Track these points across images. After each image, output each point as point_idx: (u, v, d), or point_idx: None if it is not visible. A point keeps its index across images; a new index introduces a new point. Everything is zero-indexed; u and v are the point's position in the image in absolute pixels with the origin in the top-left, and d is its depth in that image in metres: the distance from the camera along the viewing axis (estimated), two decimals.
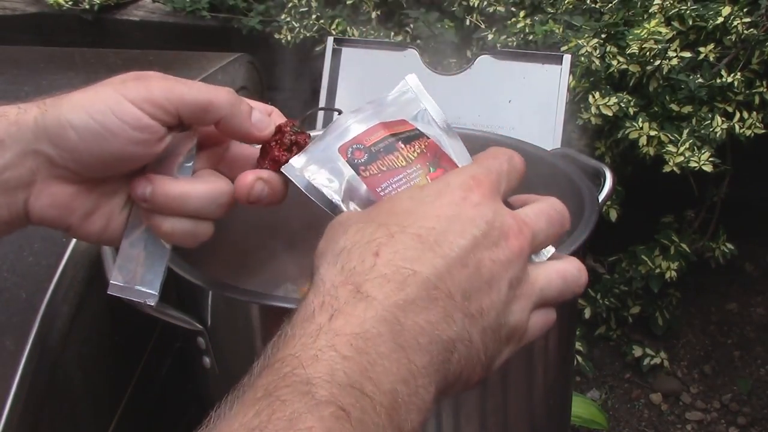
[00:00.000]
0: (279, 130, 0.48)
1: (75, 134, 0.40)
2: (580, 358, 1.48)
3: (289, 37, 1.45)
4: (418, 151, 0.45)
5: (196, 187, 0.45)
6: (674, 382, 1.53)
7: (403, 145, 0.45)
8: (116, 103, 0.41)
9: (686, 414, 1.48)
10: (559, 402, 0.73)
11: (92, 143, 0.41)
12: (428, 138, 0.47)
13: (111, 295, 0.47)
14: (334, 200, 0.44)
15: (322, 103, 1.04)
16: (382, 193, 0.43)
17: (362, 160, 0.44)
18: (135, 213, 0.46)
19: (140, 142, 0.42)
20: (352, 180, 0.43)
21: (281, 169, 0.45)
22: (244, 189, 0.45)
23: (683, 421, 1.47)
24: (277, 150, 0.46)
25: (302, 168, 0.45)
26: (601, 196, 0.74)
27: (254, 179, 0.45)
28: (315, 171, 0.44)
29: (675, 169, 1.21)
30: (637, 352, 1.53)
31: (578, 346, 1.47)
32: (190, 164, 0.46)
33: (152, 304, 0.46)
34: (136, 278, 0.46)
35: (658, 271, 1.40)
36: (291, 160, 0.45)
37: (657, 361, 1.52)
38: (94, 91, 0.42)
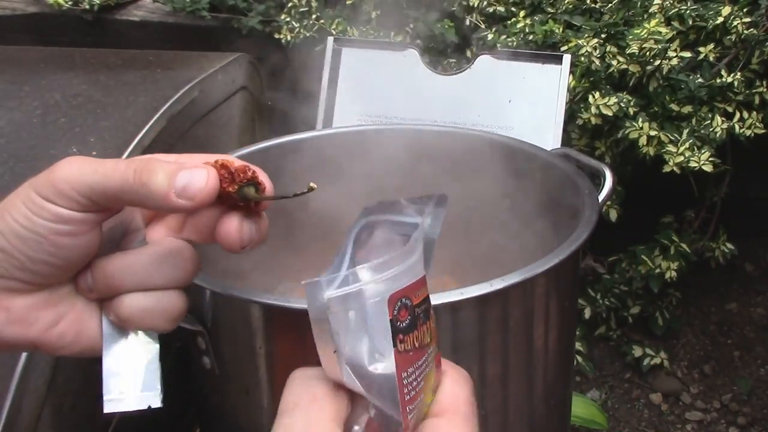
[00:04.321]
0: (224, 167, 0.39)
1: (6, 242, 0.38)
2: (580, 358, 1.48)
3: (289, 37, 1.45)
4: (434, 320, 0.37)
5: (141, 253, 0.40)
6: (674, 382, 1.53)
7: (432, 312, 0.37)
8: (29, 199, 0.38)
9: (686, 414, 1.48)
10: (559, 402, 0.73)
11: (25, 246, 0.38)
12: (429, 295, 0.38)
13: None
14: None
15: (322, 102, 1.04)
16: (405, 384, 0.34)
17: (404, 325, 0.35)
18: (105, 316, 0.42)
19: (70, 233, 0.38)
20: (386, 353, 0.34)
21: (305, 285, 0.34)
22: (235, 235, 0.40)
23: (683, 421, 1.47)
24: (233, 193, 0.39)
25: (334, 300, 0.33)
26: (601, 196, 0.74)
27: (239, 222, 0.40)
28: (345, 316, 0.34)
29: (675, 169, 1.21)
30: (637, 352, 1.53)
31: (578, 346, 1.47)
32: (141, 240, 0.42)
33: (159, 405, 0.42)
34: (131, 385, 0.42)
35: (658, 271, 1.40)
36: (323, 279, 0.33)
37: (657, 361, 1.52)
38: (14, 193, 0.39)
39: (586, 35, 1.27)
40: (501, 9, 1.38)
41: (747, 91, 1.27)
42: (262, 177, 0.40)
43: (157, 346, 0.42)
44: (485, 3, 1.38)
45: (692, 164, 1.20)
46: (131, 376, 0.42)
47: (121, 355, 0.42)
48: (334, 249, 0.37)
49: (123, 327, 0.42)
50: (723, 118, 1.24)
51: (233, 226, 0.40)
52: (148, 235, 0.43)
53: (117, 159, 0.39)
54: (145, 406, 0.42)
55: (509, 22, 1.35)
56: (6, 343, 0.40)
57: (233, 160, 0.40)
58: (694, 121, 1.25)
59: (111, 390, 0.42)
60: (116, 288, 0.40)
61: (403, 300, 0.34)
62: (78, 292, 0.41)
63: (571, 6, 1.35)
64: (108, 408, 0.42)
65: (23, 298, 0.39)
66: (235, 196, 0.39)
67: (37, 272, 0.39)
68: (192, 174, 0.38)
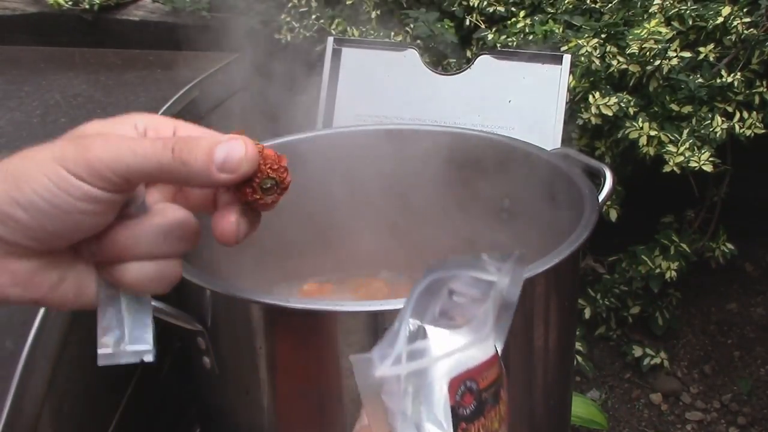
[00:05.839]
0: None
1: (24, 213, 0.37)
2: (580, 358, 1.48)
3: (288, 37, 1.45)
4: (505, 401, 0.33)
5: (148, 224, 0.40)
6: (674, 382, 1.53)
7: (503, 393, 0.33)
8: (57, 176, 0.37)
9: (686, 414, 1.48)
10: (559, 402, 0.73)
11: (43, 220, 0.37)
12: (503, 370, 0.34)
13: None
14: None
15: (321, 103, 1.04)
16: None
17: (468, 412, 0.30)
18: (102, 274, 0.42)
19: (94, 212, 0.38)
20: None
21: (353, 360, 0.30)
22: (231, 232, 0.41)
23: (683, 421, 1.47)
24: (250, 194, 0.40)
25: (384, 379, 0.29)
26: (601, 196, 0.74)
27: (236, 220, 0.41)
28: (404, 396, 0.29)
29: (675, 169, 1.21)
30: (637, 352, 1.53)
31: (578, 346, 1.47)
32: (140, 203, 0.41)
33: (151, 359, 0.42)
34: (124, 339, 0.42)
35: (658, 271, 1.40)
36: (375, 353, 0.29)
37: (657, 361, 1.52)
38: (32, 161, 0.38)
39: (586, 35, 1.27)
40: (501, 9, 1.38)
41: (747, 91, 1.27)
42: (289, 177, 0.40)
43: (151, 304, 0.43)
44: (485, 3, 1.38)
45: (692, 164, 1.20)
46: (126, 332, 0.42)
47: (117, 313, 0.42)
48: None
49: (123, 290, 0.42)
50: (723, 118, 1.24)
51: (231, 222, 0.41)
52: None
53: (151, 138, 0.39)
54: (137, 360, 0.42)
55: (509, 22, 1.35)
56: (9, 302, 0.40)
57: (261, 147, 0.40)
58: (694, 121, 1.25)
59: (106, 344, 0.42)
60: (121, 256, 0.40)
61: (468, 383, 0.30)
62: (79, 256, 0.41)
63: (571, 6, 1.35)
64: (102, 361, 0.42)
65: (27, 262, 0.39)
66: (254, 185, 0.40)
67: (47, 242, 0.39)
68: (229, 146, 0.39)
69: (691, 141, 1.22)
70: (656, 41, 1.22)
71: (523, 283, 0.35)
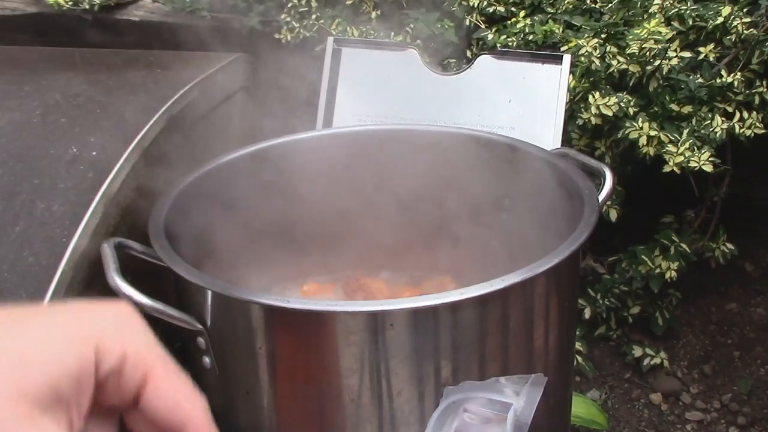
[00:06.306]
0: None
1: None
2: (580, 358, 1.48)
3: (288, 37, 1.45)
4: None
5: None
6: (674, 382, 1.53)
7: None
8: None
9: (686, 414, 1.48)
10: (559, 402, 0.73)
11: None
12: None
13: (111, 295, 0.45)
14: None
15: (321, 103, 1.04)
16: None
17: None
18: None
19: None
20: None
21: None
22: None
23: (683, 421, 1.47)
24: None
25: None
26: (601, 196, 0.74)
27: None
28: None
29: (675, 169, 1.21)
30: (637, 352, 1.53)
31: (578, 346, 1.47)
32: None
33: None
34: None
35: (658, 271, 1.40)
36: None
37: (657, 361, 1.52)
38: None
39: (586, 35, 1.27)
40: (501, 9, 1.38)
41: (747, 91, 1.27)
42: None
43: None
44: (485, 3, 1.38)
45: (692, 164, 1.20)
46: None
47: None
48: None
49: None
50: (723, 118, 1.24)
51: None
52: None
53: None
54: None
55: (509, 22, 1.35)
56: None
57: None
58: (694, 121, 1.25)
59: None
60: None
61: None
62: None
63: (571, 6, 1.35)
64: None
65: None
66: None
67: None
68: None
69: (691, 141, 1.22)
70: (656, 41, 1.22)
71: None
